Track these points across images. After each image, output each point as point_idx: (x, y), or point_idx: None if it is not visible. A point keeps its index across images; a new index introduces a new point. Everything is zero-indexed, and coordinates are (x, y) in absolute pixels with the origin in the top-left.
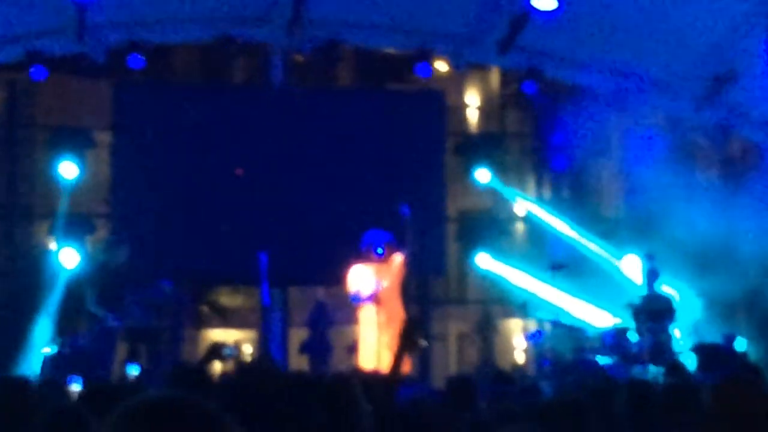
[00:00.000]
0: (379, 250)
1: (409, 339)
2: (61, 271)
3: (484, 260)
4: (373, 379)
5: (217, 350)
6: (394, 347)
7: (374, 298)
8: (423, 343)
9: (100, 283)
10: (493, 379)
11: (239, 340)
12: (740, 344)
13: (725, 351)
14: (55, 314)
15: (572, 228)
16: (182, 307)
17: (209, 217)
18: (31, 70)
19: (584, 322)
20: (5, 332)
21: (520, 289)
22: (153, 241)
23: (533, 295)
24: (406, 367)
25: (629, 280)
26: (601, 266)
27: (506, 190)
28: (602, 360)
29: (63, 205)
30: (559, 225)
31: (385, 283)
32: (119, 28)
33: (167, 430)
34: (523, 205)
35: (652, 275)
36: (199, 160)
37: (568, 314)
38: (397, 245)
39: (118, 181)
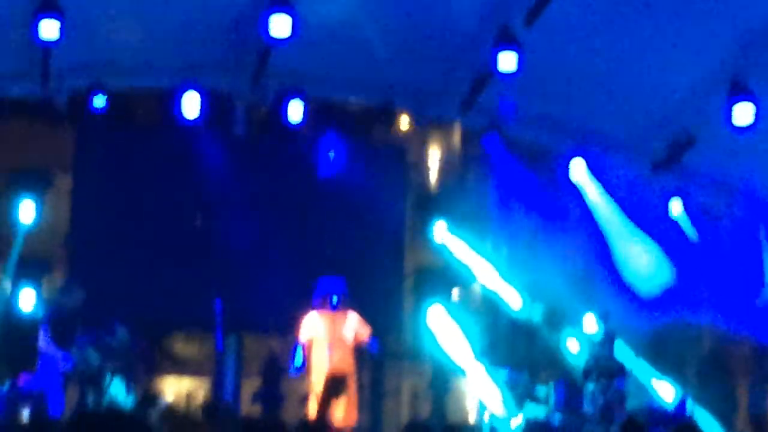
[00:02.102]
0: (334, 299)
1: (332, 393)
2: (16, 311)
3: (435, 316)
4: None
5: (151, 399)
6: (321, 397)
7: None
8: (344, 395)
9: (54, 325)
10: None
11: (192, 388)
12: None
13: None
14: (8, 354)
15: (528, 284)
16: (136, 352)
17: (166, 262)
18: None
19: (538, 379)
20: None
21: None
22: (109, 285)
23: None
24: (350, 417)
25: (584, 340)
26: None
27: (463, 247)
28: (553, 417)
29: (17, 247)
30: (509, 299)
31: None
32: (83, 72)
33: None
34: (479, 262)
35: (607, 335)
36: (159, 206)
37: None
38: (351, 299)
39: (77, 225)
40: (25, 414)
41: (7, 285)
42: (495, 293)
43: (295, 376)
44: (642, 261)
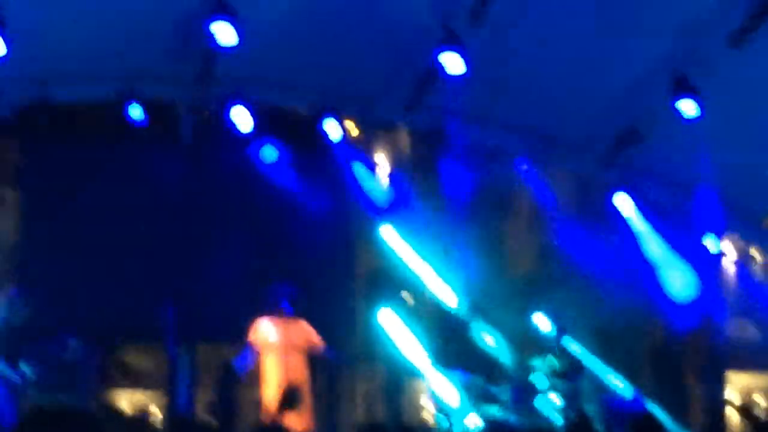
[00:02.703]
0: (285, 305)
1: (288, 404)
2: None
3: (386, 318)
4: None
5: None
6: (276, 407)
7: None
8: (301, 408)
9: (5, 339)
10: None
11: (145, 400)
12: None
13: (631, 410)
14: None
15: (479, 286)
16: (87, 364)
17: (117, 273)
18: None
19: (489, 380)
20: None
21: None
22: (59, 297)
23: (419, 367)
24: (305, 423)
25: (538, 337)
26: (510, 323)
27: (412, 249)
28: (510, 417)
29: None
30: (447, 300)
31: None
32: (26, 85)
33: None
34: (423, 265)
35: (559, 332)
36: (107, 217)
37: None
38: (303, 304)
39: (25, 238)
40: None
41: None
42: (436, 296)
43: (239, 372)
44: (593, 257)
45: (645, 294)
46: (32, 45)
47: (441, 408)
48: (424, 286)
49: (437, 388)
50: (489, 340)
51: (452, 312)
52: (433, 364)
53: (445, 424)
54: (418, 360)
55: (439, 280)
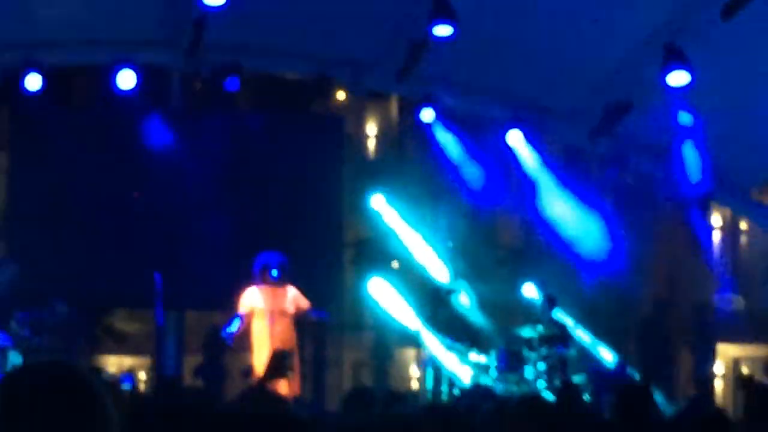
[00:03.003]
0: (274, 272)
1: (276, 370)
2: None
3: (376, 287)
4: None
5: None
6: (264, 373)
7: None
8: (290, 373)
9: None
10: (384, 399)
11: (133, 365)
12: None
13: (618, 379)
14: None
15: (467, 255)
16: (76, 329)
17: (105, 239)
18: None
19: (477, 348)
20: None
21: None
22: (48, 262)
23: (415, 330)
24: (293, 388)
25: (526, 306)
26: (498, 293)
27: (401, 217)
28: (497, 385)
29: None
30: (436, 274)
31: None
32: (17, 49)
33: (47, 393)
34: (409, 238)
35: (547, 302)
36: (96, 182)
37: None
38: (291, 272)
39: (13, 202)
40: None
41: None
42: (423, 264)
43: (227, 341)
44: (580, 228)
45: (634, 263)
46: (22, 10)
47: (430, 371)
48: (412, 254)
49: (428, 352)
50: (475, 308)
51: (439, 280)
52: (424, 326)
53: (432, 387)
54: (409, 326)
55: (427, 248)
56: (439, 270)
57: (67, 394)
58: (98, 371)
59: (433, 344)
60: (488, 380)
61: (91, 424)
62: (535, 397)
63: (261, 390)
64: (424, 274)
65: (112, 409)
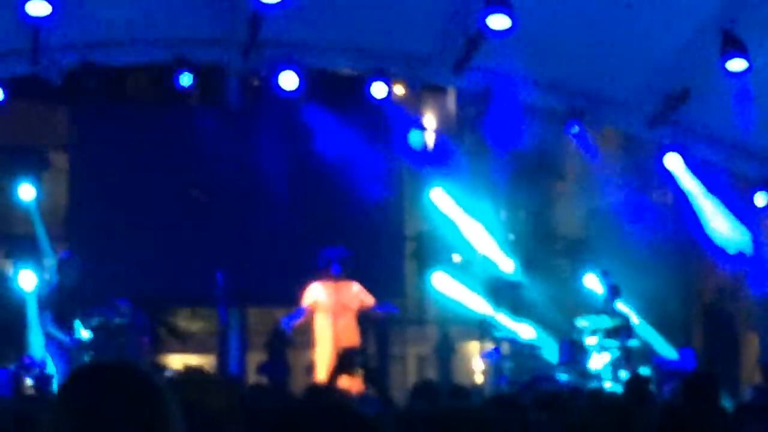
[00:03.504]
0: (336, 268)
1: (346, 369)
2: (18, 292)
3: (440, 281)
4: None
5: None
6: (330, 371)
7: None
8: (358, 371)
9: (57, 304)
10: (449, 393)
11: (197, 363)
12: (694, 359)
13: (683, 370)
14: (14, 335)
15: (528, 247)
16: (139, 328)
17: (167, 238)
18: None
19: (541, 340)
20: None
21: (474, 310)
22: (111, 262)
23: (488, 315)
24: (358, 385)
25: (588, 297)
26: (559, 284)
27: (462, 210)
28: (560, 377)
29: (21, 228)
30: (502, 265)
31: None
32: (75, 49)
33: (109, 392)
34: (471, 230)
35: (610, 292)
36: (156, 181)
37: (524, 333)
38: (354, 267)
39: (75, 203)
40: (31, 390)
41: (11, 266)
42: (486, 257)
43: (286, 331)
44: (643, 217)
45: (696, 253)
46: (80, 10)
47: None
48: (474, 246)
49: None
50: (538, 300)
51: (502, 272)
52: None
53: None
54: (482, 313)
55: (489, 240)
56: (502, 262)
57: (129, 392)
58: (161, 369)
59: (511, 324)
60: (547, 370)
61: (153, 422)
62: (606, 391)
63: (327, 387)
64: (488, 267)
65: (173, 406)
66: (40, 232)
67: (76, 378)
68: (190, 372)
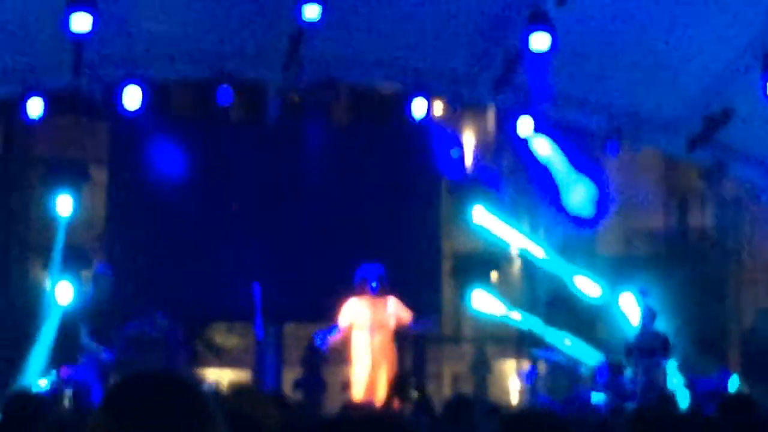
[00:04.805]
0: (373, 284)
1: (401, 392)
2: (56, 305)
3: (479, 299)
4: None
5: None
6: (386, 395)
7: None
8: (414, 395)
9: (94, 317)
10: (487, 412)
11: (233, 378)
12: (734, 382)
13: (719, 389)
14: (50, 348)
15: (567, 266)
16: (176, 342)
17: (204, 252)
18: (27, 106)
19: (578, 359)
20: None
21: (514, 327)
22: (147, 276)
23: (527, 333)
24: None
25: (625, 318)
26: (597, 304)
27: (501, 229)
28: (596, 397)
29: (59, 241)
30: (554, 263)
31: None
32: (116, 64)
33: (157, 400)
34: (517, 244)
35: (648, 312)
36: (195, 196)
37: (562, 352)
38: (391, 284)
39: (113, 216)
40: (68, 404)
41: (49, 279)
42: (543, 266)
43: (322, 347)
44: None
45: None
46: (121, 25)
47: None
48: (513, 264)
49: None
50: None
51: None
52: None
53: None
54: (515, 334)
55: (536, 252)
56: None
57: (178, 400)
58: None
59: (556, 339)
60: (581, 391)
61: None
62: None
63: (364, 405)
64: (527, 284)
65: (221, 417)
66: (60, 245)
67: (123, 386)
68: (241, 388)
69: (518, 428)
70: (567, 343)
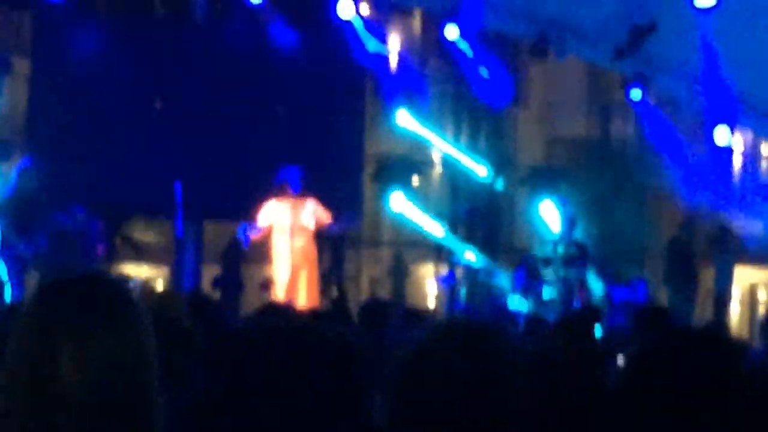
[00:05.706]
0: (294, 186)
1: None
2: None
3: (398, 202)
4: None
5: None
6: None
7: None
8: (334, 293)
9: (15, 211)
10: (403, 315)
11: (151, 275)
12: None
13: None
14: None
15: (488, 173)
16: (95, 237)
17: (127, 147)
18: None
19: (497, 266)
20: None
21: (432, 234)
22: (68, 169)
23: (445, 239)
24: (312, 303)
25: (545, 226)
26: (515, 211)
27: (425, 133)
28: (514, 303)
29: None
30: (476, 170)
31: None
32: None
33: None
34: (440, 149)
35: (568, 221)
36: (119, 91)
37: (480, 258)
38: (311, 186)
39: (35, 109)
40: None
41: None
42: (462, 168)
43: (242, 242)
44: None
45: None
46: None
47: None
48: (434, 169)
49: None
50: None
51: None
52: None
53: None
54: (437, 236)
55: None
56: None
57: (105, 301)
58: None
59: (463, 252)
60: (499, 297)
61: (130, 331)
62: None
63: (280, 305)
64: (448, 189)
65: (147, 317)
66: None
67: (48, 289)
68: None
69: (446, 338)
70: (483, 252)
